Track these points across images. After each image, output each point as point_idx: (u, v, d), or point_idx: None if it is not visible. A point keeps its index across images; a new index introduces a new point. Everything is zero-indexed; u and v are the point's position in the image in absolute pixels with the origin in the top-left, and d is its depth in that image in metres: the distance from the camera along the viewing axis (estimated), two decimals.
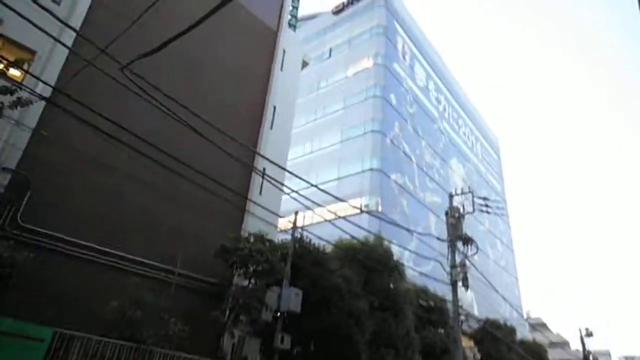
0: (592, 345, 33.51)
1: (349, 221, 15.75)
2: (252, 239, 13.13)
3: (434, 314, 24.60)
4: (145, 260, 12.44)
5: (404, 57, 45.46)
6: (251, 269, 12.96)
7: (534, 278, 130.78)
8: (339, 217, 18.47)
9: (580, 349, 39.18)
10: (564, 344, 59.80)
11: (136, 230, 12.63)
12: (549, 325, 69.20)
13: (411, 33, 48.63)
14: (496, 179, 63.90)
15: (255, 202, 14.29)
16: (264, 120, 17.22)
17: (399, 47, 45.31)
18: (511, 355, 31.52)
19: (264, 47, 18.99)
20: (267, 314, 13.49)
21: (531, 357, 33.58)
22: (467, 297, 45.03)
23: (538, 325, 65.26)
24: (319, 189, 13.49)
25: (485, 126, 66.50)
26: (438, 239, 19.82)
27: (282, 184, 15.00)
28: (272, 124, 20.55)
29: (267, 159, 11.74)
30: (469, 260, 19.48)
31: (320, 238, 15.72)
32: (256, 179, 18.38)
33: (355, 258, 18.01)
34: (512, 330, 34.56)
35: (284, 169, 15.39)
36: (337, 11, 49.19)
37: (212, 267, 13.45)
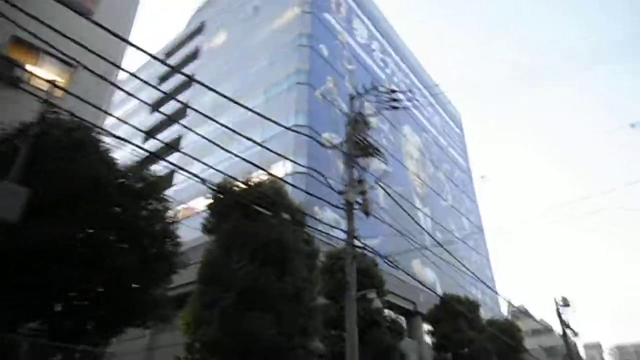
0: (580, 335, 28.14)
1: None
2: None
3: (365, 278, 18.65)
4: None
5: (338, 9, 39.95)
6: None
7: (508, 261, 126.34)
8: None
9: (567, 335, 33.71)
10: (548, 331, 54.29)
11: None
12: (531, 313, 63.43)
13: None
14: (460, 155, 58.45)
15: None
16: None
17: None
18: (472, 334, 25.35)
19: None
20: None
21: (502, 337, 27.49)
22: (429, 278, 38.90)
23: (519, 313, 59.55)
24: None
25: (445, 98, 61.25)
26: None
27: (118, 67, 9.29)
28: None
29: None
30: (379, 182, 13.85)
31: None
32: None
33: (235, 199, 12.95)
34: (474, 306, 28.60)
35: (123, 39, 10.21)
36: None
37: None
